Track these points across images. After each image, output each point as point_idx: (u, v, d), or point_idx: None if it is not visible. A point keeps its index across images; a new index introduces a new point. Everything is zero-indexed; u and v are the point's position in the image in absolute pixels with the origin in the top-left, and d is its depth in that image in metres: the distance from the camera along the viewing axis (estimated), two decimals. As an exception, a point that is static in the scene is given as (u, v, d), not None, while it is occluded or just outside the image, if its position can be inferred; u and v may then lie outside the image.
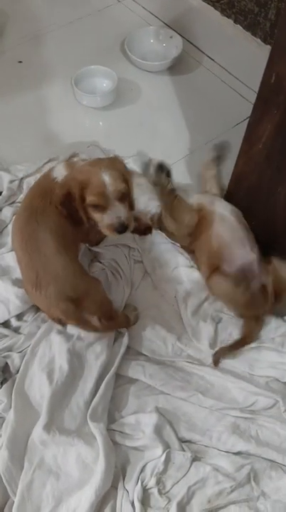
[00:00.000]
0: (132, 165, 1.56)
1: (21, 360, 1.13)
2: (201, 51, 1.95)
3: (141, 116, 1.74)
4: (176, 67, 1.88)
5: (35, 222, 1.09)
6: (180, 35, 1.92)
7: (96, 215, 1.09)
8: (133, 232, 1.30)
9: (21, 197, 1.44)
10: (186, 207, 1.30)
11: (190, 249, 1.35)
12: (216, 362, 1.20)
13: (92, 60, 1.82)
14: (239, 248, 1.23)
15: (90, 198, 1.06)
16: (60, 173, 1.13)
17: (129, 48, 1.86)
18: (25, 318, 1.22)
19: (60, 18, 2.03)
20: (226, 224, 1.25)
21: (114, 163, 1.11)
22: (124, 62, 1.89)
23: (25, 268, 1.11)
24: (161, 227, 1.38)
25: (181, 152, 1.65)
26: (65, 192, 1.07)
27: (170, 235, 1.38)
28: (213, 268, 1.24)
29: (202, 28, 1.92)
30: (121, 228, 1.08)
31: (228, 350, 1.22)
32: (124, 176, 1.09)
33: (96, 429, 1.04)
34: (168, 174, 1.32)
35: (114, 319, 1.15)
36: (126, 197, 1.09)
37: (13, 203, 1.43)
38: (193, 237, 1.30)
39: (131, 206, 1.14)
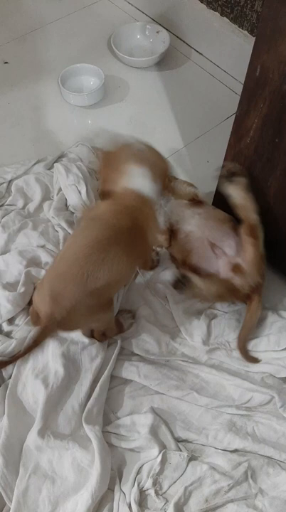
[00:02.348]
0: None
1: (13, 365, 1.12)
2: (189, 45, 1.93)
3: (130, 113, 1.72)
4: (163, 62, 1.86)
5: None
6: (167, 29, 1.90)
7: None
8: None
9: (10, 199, 1.42)
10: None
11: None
12: (250, 357, 1.19)
13: (79, 57, 1.81)
14: (205, 260, 1.23)
15: None
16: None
17: (115, 44, 1.84)
18: (16, 322, 1.20)
19: (45, 16, 2.01)
20: (192, 239, 1.25)
21: None
22: (111, 59, 1.87)
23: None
24: None
25: (171, 148, 1.64)
26: None
27: None
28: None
29: (189, 22, 1.90)
30: None
31: (242, 340, 1.20)
32: None
33: (91, 432, 1.03)
34: None
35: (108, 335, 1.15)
36: None
37: (2, 205, 1.42)
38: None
39: None
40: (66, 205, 1.44)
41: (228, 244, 1.23)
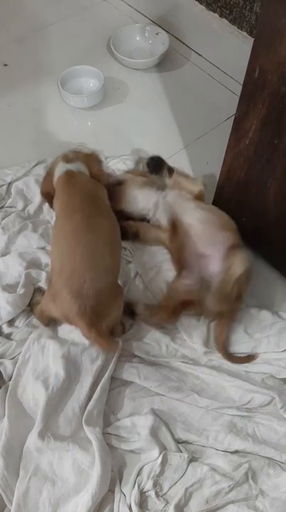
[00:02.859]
0: (122, 164, 1.55)
1: (14, 366, 1.12)
2: (188, 47, 1.93)
3: (130, 115, 1.73)
4: (163, 63, 1.87)
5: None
6: (166, 31, 1.91)
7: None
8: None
9: (10, 201, 1.42)
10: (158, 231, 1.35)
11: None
12: (235, 358, 1.20)
13: (79, 59, 1.81)
14: (200, 261, 1.23)
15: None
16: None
17: (115, 46, 1.84)
18: (16, 323, 1.20)
19: (45, 19, 2.02)
20: (192, 235, 1.25)
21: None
22: (110, 61, 1.87)
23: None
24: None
25: (171, 149, 1.64)
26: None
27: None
28: (178, 271, 1.27)
29: (188, 24, 1.90)
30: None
31: (222, 350, 1.21)
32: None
33: (91, 434, 1.03)
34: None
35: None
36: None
37: (2, 207, 1.42)
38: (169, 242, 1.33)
39: None
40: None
41: (216, 258, 1.22)
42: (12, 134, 1.65)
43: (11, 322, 1.20)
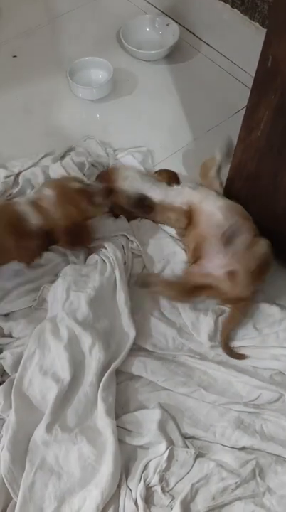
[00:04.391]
0: (131, 157, 1.53)
1: (13, 358, 1.11)
2: (199, 38, 1.90)
3: (139, 107, 1.70)
4: (173, 55, 1.84)
5: None
6: (176, 22, 1.88)
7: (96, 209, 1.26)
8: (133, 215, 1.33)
9: (17, 190, 1.41)
10: (174, 211, 1.31)
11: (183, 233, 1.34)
12: (235, 354, 1.19)
13: (88, 51, 1.78)
14: (215, 255, 1.21)
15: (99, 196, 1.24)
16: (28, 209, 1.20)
17: (124, 37, 1.82)
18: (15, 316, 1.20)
19: (54, 10, 1.99)
20: (212, 224, 1.23)
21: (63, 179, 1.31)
22: (120, 53, 1.85)
23: None
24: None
25: (181, 142, 1.62)
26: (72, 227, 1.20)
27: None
28: (194, 259, 1.25)
29: (199, 14, 1.87)
30: (107, 189, 1.26)
31: (224, 340, 1.20)
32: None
33: (109, 428, 1.02)
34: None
35: None
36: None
37: (10, 195, 1.41)
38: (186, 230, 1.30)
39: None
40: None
41: (240, 242, 1.21)
42: (20, 125, 1.64)
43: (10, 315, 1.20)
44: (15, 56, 1.85)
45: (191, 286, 1.20)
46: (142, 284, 1.20)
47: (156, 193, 1.33)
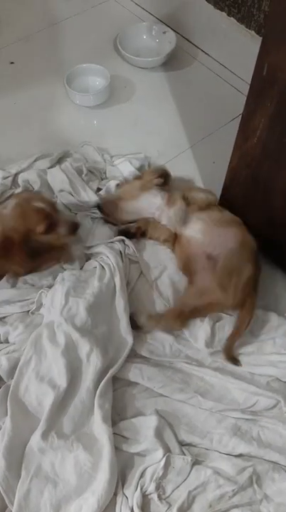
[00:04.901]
0: (128, 164, 1.53)
1: (9, 364, 1.11)
2: (195, 46, 1.92)
3: (136, 114, 1.71)
4: (170, 62, 1.85)
5: None
6: (173, 30, 1.89)
7: (53, 238, 1.18)
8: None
9: (18, 191, 1.41)
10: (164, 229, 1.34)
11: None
12: (232, 358, 1.19)
13: (85, 58, 1.79)
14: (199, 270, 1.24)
15: (40, 227, 1.15)
16: None
17: (121, 44, 1.83)
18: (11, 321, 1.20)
19: (51, 17, 2.01)
20: (192, 246, 1.26)
21: (30, 195, 1.26)
22: (117, 60, 1.86)
23: None
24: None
25: (177, 148, 1.63)
26: (4, 242, 1.13)
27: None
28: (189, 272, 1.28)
29: (195, 22, 1.89)
30: (76, 226, 1.24)
31: (229, 346, 1.20)
32: (43, 197, 1.24)
33: (105, 435, 1.01)
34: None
35: None
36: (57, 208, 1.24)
37: (10, 196, 1.39)
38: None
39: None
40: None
41: (223, 254, 1.22)
42: (18, 131, 1.64)
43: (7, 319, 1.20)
44: (12, 63, 1.85)
45: (180, 311, 1.21)
46: (133, 327, 1.20)
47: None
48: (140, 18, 2.00)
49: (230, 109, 1.68)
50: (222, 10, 1.77)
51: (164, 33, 1.89)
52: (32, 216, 1.15)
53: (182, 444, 1.07)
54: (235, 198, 1.32)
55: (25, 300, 1.21)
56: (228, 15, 1.76)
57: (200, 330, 1.22)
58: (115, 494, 0.99)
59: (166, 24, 1.94)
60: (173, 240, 1.32)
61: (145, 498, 0.99)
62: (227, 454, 1.06)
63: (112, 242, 1.35)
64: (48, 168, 1.47)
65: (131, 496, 0.98)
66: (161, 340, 1.21)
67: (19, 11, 2.02)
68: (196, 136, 1.65)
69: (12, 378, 1.09)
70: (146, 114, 1.71)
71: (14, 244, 1.14)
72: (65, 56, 1.85)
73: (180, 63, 1.86)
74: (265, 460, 1.05)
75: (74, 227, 1.24)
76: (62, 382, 1.06)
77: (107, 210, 1.37)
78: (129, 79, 1.80)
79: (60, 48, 1.89)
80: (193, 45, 1.92)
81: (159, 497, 0.98)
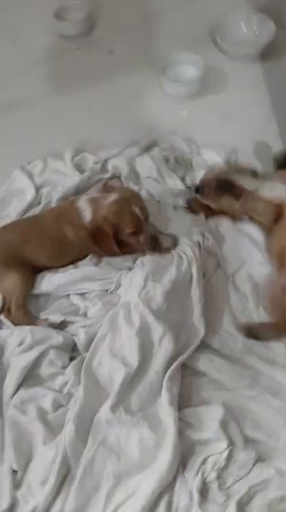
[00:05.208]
0: (215, 155, 1.53)
1: (86, 337, 1.17)
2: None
3: (228, 106, 1.70)
4: (267, 54, 1.81)
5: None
6: (272, 21, 1.83)
7: (132, 240, 1.26)
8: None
9: (108, 176, 1.48)
10: (264, 202, 1.28)
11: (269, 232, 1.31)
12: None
13: (182, 48, 1.80)
14: None
15: (128, 230, 1.23)
16: (84, 206, 1.27)
17: (218, 34, 1.81)
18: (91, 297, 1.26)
19: (151, 9, 2.03)
20: None
21: (133, 193, 1.30)
22: (213, 50, 1.85)
23: None
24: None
25: (270, 143, 1.58)
26: (94, 229, 1.23)
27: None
28: (281, 261, 1.21)
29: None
30: (153, 245, 1.27)
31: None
32: (141, 201, 1.28)
33: (170, 417, 1.03)
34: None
35: None
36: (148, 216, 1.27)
37: (100, 180, 1.48)
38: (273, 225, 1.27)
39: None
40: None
41: None
42: (109, 118, 1.69)
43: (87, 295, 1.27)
44: (111, 52, 1.91)
45: None
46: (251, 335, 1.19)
47: (248, 183, 1.32)
48: (239, 8, 1.96)
49: None
50: None
51: (263, 23, 1.84)
52: (126, 217, 1.22)
53: (246, 439, 1.06)
54: None
55: (106, 279, 1.27)
56: None
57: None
58: (175, 477, 1.00)
59: (264, 15, 1.89)
60: (275, 216, 1.26)
61: (205, 485, 0.99)
62: (292, 457, 1.03)
63: (191, 233, 1.35)
64: (137, 155, 1.50)
65: (192, 480, 0.99)
66: (233, 334, 1.21)
67: (119, 4, 2.07)
68: None
69: (87, 351, 1.15)
70: (239, 106, 1.69)
71: (104, 232, 1.23)
72: (162, 47, 1.88)
73: (277, 55, 1.80)
74: None
75: (153, 241, 1.27)
76: (133, 361, 1.10)
77: (208, 190, 1.36)
78: (224, 70, 1.79)
79: (157, 40, 1.92)
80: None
81: (219, 487, 0.99)
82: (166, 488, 0.99)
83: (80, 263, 1.30)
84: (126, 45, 1.92)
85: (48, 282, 1.28)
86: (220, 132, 1.61)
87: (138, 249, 1.29)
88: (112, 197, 1.26)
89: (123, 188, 1.30)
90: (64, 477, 1.02)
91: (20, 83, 1.83)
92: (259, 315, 1.23)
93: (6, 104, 1.75)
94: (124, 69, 1.84)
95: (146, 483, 0.97)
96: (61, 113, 1.72)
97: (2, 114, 1.74)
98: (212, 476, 1.00)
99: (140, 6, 2.05)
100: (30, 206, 1.46)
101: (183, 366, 1.15)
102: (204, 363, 1.15)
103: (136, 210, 1.22)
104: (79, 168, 1.52)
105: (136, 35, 1.95)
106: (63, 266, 1.31)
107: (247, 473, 1.00)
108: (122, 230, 1.23)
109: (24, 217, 1.43)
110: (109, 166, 1.50)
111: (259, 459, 1.03)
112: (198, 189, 1.39)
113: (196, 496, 0.97)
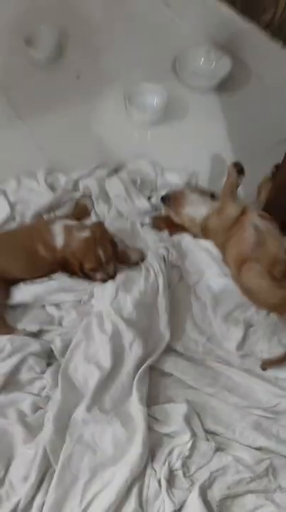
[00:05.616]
0: (176, 176, 1.68)
1: (62, 344, 1.28)
2: (249, 70, 2.04)
3: (188, 132, 1.86)
4: (224, 85, 1.98)
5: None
6: (229, 55, 2.03)
7: (91, 274, 1.38)
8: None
9: (79, 194, 1.60)
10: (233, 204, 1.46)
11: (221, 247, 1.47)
12: (264, 368, 1.31)
13: (144, 77, 1.95)
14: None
15: (89, 266, 1.36)
16: (58, 231, 1.39)
17: (180, 67, 1.98)
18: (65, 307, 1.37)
19: (119, 38, 2.16)
20: (255, 234, 1.37)
21: (103, 233, 1.40)
22: (174, 81, 2.01)
23: None
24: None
25: (225, 167, 1.74)
26: (63, 259, 1.37)
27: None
28: (240, 262, 1.37)
29: (250, 50, 2.02)
30: (107, 280, 1.38)
31: (275, 363, 1.31)
32: (110, 239, 1.41)
33: (141, 414, 1.15)
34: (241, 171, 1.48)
35: None
36: (112, 256, 1.38)
37: (71, 199, 1.60)
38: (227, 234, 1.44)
39: (116, 253, 1.41)
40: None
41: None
42: (79, 141, 1.80)
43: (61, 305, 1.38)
44: (78, 77, 2.04)
45: None
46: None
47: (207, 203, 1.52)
48: (198, 42, 2.14)
49: (280, 131, 1.79)
50: (277, 41, 1.90)
51: (220, 58, 2.03)
52: (90, 257, 1.35)
53: (207, 431, 1.19)
54: (278, 213, 1.43)
55: (80, 290, 1.38)
56: (283, 46, 1.89)
57: (232, 333, 1.35)
58: (145, 467, 1.12)
59: (222, 50, 2.08)
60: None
61: (171, 473, 1.12)
62: (247, 446, 1.17)
63: (157, 247, 1.49)
64: (106, 176, 1.63)
65: (159, 469, 1.11)
66: (194, 340, 1.35)
67: (87, 28, 2.20)
68: (244, 155, 1.75)
69: (63, 357, 1.25)
70: (198, 132, 1.85)
71: (71, 264, 1.37)
72: (127, 74, 2.01)
73: (232, 87, 1.99)
74: (281, 455, 1.16)
75: (109, 278, 1.39)
76: (107, 364, 1.22)
77: (172, 200, 1.53)
78: (184, 99, 1.95)
79: (124, 68, 2.05)
80: (247, 70, 2.04)
81: (184, 474, 1.11)
82: (138, 478, 1.10)
83: (55, 276, 1.41)
84: (94, 72, 2.05)
85: (24, 293, 1.37)
86: (181, 156, 1.77)
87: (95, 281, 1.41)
88: (84, 234, 1.37)
89: (96, 226, 1.42)
90: (44, 473, 1.11)
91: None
92: (216, 321, 1.38)
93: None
94: (91, 95, 1.96)
95: (119, 474, 1.09)
96: (32, 134, 1.81)
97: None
98: (177, 464, 1.12)
99: (109, 35, 2.19)
100: (5, 223, 1.54)
101: (151, 368, 1.28)
102: (170, 365, 1.28)
103: (100, 252, 1.35)
104: (51, 186, 1.62)
105: (104, 63, 2.09)
106: (35, 278, 1.41)
107: (209, 461, 1.14)
108: (84, 265, 1.36)
109: (-2, 232, 1.51)
110: (81, 186, 1.62)
111: (218, 449, 1.17)
112: (163, 198, 1.55)
113: (164, 483, 1.09)
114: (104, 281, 1.38)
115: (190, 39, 2.16)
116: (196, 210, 1.51)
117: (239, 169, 1.46)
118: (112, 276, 1.38)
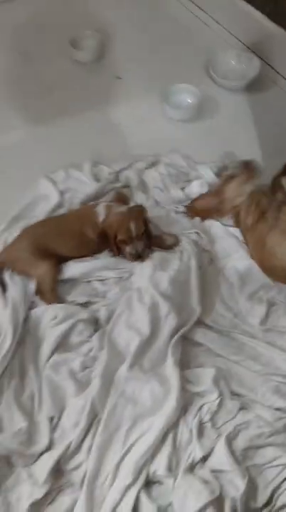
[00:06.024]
0: (207, 169, 1.84)
1: (107, 312, 1.47)
2: (277, 73, 2.18)
3: (219, 129, 2.01)
4: (253, 86, 2.13)
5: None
6: (258, 57, 2.17)
7: (122, 246, 1.54)
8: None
9: (120, 185, 1.78)
10: None
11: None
12: None
13: (180, 78, 2.11)
14: None
15: (120, 237, 1.52)
16: (101, 211, 1.58)
17: (212, 67, 2.14)
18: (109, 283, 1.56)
19: (155, 43, 2.34)
20: None
21: (138, 212, 1.56)
22: (208, 82, 2.17)
23: None
24: None
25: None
26: (102, 231, 1.54)
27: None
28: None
29: (278, 53, 2.15)
30: (135, 257, 1.54)
31: None
32: (144, 220, 1.56)
33: (175, 375, 1.32)
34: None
35: None
36: (142, 235, 1.53)
37: (113, 189, 1.77)
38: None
39: (149, 237, 1.57)
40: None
41: None
42: (120, 137, 1.98)
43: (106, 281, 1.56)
44: (119, 78, 2.22)
45: None
46: None
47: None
48: (230, 47, 2.29)
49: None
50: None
51: (250, 60, 2.17)
52: (122, 229, 1.51)
53: (232, 393, 1.36)
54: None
55: (121, 269, 1.57)
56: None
57: (256, 310, 1.51)
58: (178, 419, 1.30)
59: (252, 52, 2.22)
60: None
61: (201, 425, 1.29)
62: (267, 406, 1.33)
63: (190, 233, 1.66)
64: (145, 168, 1.81)
65: (191, 421, 1.29)
66: (222, 315, 1.51)
67: (126, 33, 2.38)
68: (267, 156, 1.89)
69: (108, 324, 1.44)
70: (228, 130, 2.01)
71: (107, 235, 1.54)
72: (164, 77, 2.17)
73: (262, 88, 2.14)
74: (298, 416, 1.32)
75: (136, 255, 1.55)
76: (146, 331, 1.40)
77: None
78: (216, 99, 2.11)
79: (160, 70, 2.22)
80: (276, 72, 2.18)
81: (212, 426, 1.28)
82: (172, 427, 1.28)
83: (100, 255, 1.60)
84: (133, 73, 2.22)
85: (73, 270, 1.56)
86: (212, 151, 1.93)
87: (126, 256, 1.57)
88: (121, 209, 1.56)
89: (136, 206, 1.60)
90: (92, 420, 1.30)
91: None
92: (242, 299, 1.54)
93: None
94: (130, 94, 2.14)
95: (156, 423, 1.26)
96: (78, 130, 2.00)
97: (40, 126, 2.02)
98: (206, 418, 1.29)
99: (145, 38, 2.36)
100: (55, 209, 1.74)
101: (184, 338, 1.45)
102: (200, 335, 1.45)
103: (132, 227, 1.51)
104: (96, 177, 1.81)
105: (142, 65, 2.26)
106: (83, 257, 1.60)
107: (234, 417, 1.30)
108: (116, 236, 1.52)
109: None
110: (122, 177, 1.80)
111: (242, 408, 1.33)
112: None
113: (195, 431, 1.26)
114: (132, 256, 1.53)
115: (222, 42, 2.31)
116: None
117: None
118: (140, 255, 1.53)
